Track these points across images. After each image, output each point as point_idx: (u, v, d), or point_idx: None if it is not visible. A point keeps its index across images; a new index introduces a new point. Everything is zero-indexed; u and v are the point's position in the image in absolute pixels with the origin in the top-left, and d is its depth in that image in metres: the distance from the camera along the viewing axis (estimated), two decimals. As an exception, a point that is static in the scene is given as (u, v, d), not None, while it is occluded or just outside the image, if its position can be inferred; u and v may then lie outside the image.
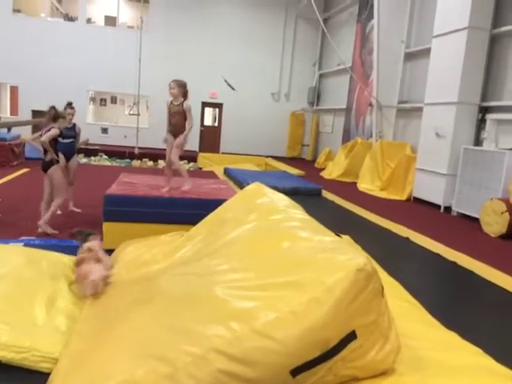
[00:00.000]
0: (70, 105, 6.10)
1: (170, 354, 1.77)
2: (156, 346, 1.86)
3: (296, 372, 1.70)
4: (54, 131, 5.07)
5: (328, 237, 2.33)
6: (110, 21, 16.66)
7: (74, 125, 6.12)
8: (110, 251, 3.98)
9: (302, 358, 1.70)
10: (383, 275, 3.31)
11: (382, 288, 1.88)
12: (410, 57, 11.21)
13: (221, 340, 1.73)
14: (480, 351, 2.38)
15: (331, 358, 1.74)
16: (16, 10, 15.77)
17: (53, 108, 5.26)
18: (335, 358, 1.75)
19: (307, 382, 1.75)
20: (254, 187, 3.49)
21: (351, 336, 1.76)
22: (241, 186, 8.44)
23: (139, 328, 2.06)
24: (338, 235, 3.72)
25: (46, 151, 5.08)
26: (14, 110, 16.74)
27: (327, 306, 1.71)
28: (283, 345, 1.67)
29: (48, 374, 2.23)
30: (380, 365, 1.87)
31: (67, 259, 3.81)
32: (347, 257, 1.88)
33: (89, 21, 16.56)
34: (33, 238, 4.77)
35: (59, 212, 6.02)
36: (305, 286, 1.81)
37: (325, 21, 15.56)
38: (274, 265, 2.12)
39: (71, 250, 4.19)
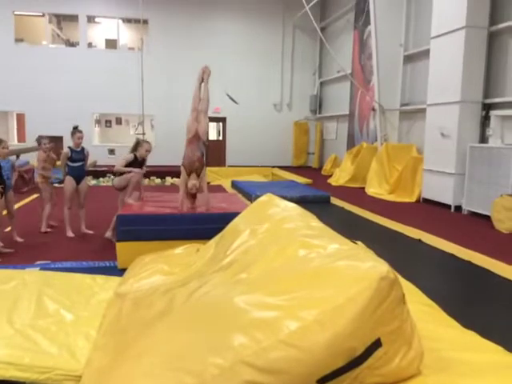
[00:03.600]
0: (76, 128, 6.19)
1: (197, 366, 1.78)
2: (181, 359, 1.86)
3: (322, 381, 1.70)
4: (129, 156, 5.72)
5: (344, 244, 2.34)
6: (111, 44, 16.91)
7: (83, 148, 6.21)
8: (124, 271, 4.02)
9: (329, 367, 1.70)
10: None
11: (404, 294, 1.89)
12: (409, 59, 11.26)
13: (247, 351, 1.73)
14: (501, 349, 2.37)
15: (358, 366, 1.74)
16: (18, 40, 16.10)
17: (137, 139, 6.06)
18: (361, 366, 1.75)
19: (333, 391, 1.75)
20: (265, 198, 3.52)
21: (376, 344, 1.76)
22: (249, 197, 8.46)
23: (163, 341, 2.07)
24: (354, 242, 3.72)
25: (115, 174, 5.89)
26: (21, 136, 16.97)
27: (351, 314, 1.71)
28: (310, 354, 1.67)
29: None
30: (405, 371, 1.87)
31: (83, 278, 3.87)
32: (369, 264, 1.88)
33: (90, 45, 16.83)
34: (48, 262, 4.83)
35: (72, 235, 6.09)
36: (328, 295, 1.82)
37: (322, 29, 15.70)
38: (292, 273, 2.12)
39: (86, 271, 4.25)
